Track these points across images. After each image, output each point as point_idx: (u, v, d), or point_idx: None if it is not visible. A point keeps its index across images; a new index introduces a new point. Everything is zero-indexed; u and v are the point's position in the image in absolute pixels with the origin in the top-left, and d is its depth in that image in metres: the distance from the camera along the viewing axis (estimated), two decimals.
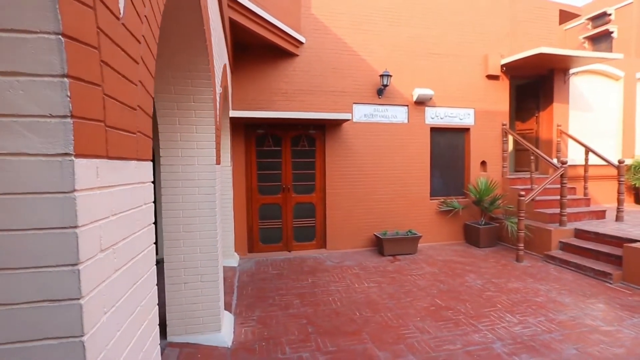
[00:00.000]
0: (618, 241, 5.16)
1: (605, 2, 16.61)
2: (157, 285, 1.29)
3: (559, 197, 6.06)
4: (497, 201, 6.71)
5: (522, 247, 5.77)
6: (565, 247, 5.78)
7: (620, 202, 6.38)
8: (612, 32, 16.41)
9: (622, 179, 6.38)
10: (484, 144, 7.21)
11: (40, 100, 0.60)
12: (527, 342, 3.22)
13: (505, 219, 6.37)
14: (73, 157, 0.63)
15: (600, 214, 6.64)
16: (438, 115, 6.97)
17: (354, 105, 6.45)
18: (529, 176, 6.79)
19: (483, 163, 7.26)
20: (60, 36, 0.59)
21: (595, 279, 4.87)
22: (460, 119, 7.11)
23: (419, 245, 6.45)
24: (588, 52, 7.76)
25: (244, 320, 3.72)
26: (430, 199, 6.98)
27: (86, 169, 0.68)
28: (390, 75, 6.31)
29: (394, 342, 3.27)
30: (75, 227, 0.64)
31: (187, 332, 3.12)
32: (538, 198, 6.37)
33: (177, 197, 2.99)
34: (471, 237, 6.90)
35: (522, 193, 5.71)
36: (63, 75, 0.60)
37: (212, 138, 3.05)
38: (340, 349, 3.16)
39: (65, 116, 0.62)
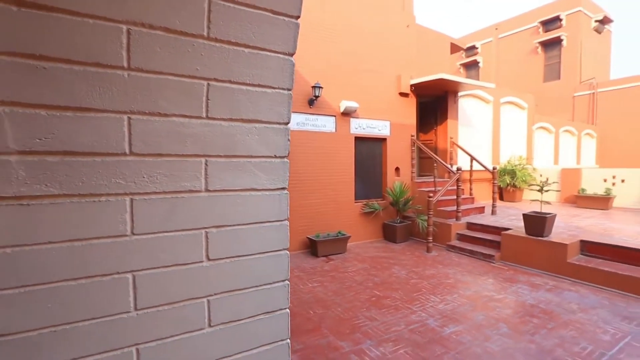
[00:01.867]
0: (496, 230, 6.66)
1: (475, 37, 20.51)
2: None
3: (455, 197, 7.45)
4: (409, 202, 7.84)
5: (431, 240, 6.92)
6: (461, 237, 7.15)
7: (494, 199, 8.18)
8: (479, 62, 20.33)
9: (495, 182, 8.19)
10: (398, 152, 8.32)
11: (269, 144, 0.76)
12: (450, 315, 4.02)
13: (417, 217, 7.50)
14: (287, 191, 0.80)
15: (481, 210, 8.37)
16: (361, 126, 7.77)
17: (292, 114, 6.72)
18: (432, 180, 8.12)
19: (397, 169, 8.37)
20: (290, 91, 0.76)
21: (484, 261, 6.21)
22: (379, 130, 8.06)
23: (347, 244, 7.10)
24: (472, 80, 9.65)
25: None
26: (355, 202, 7.73)
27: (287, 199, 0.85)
28: (321, 87, 6.80)
29: (351, 332, 3.70)
30: (286, 249, 0.81)
31: None
32: (440, 198, 7.70)
33: None
34: (389, 234, 7.89)
35: (431, 195, 6.85)
36: (287, 123, 0.77)
37: None
38: (307, 345, 3.43)
39: (284, 157, 0.79)
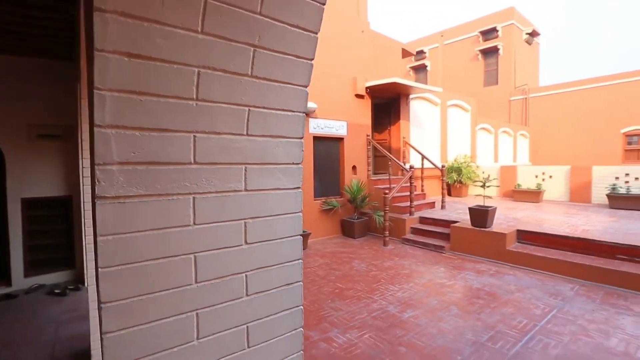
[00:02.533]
0: (446, 223, 7.31)
1: (423, 42, 21.80)
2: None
3: (408, 194, 8.02)
4: (366, 199, 8.27)
5: (388, 235, 7.39)
6: (415, 231, 7.73)
7: (443, 195, 8.91)
8: (427, 66, 21.63)
9: (444, 178, 8.93)
10: (354, 151, 8.73)
11: (289, 154, 0.95)
12: (408, 302, 4.42)
13: (374, 213, 7.96)
14: (301, 189, 1.01)
15: (432, 205, 9.07)
16: (319, 126, 8.05)
17: None
18: (387, 177, 8.65)
19: (354, 167, 8.78)
20: (304, 114, 0.96)
21: (435, 252, 6.79)
22: (337, 130, 8.40)
23: (308, 241, 7.35)
24: (422, 85, 10.35)
25: None
26: (315, 200, 7.99)
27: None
28: None
29: (318, 322, 3.93)
30: (301, 234, 1.01)
31: None
32: (395, 195, 8.23)
33: None
34: (348, 230, 8.27)
35: (387, 192, 7.32)
36: (301, 138, 0.97)
37: None
38: None
39: (299, 163, 0.99)
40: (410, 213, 7.96)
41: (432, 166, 9.46)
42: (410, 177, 7.84)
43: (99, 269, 0.64)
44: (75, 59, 4.34)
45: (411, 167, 7.95)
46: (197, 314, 0.77)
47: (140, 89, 0.65)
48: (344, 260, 6.33)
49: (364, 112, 8.92)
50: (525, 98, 18.18)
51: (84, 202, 2.92)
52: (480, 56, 19.10)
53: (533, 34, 19.02)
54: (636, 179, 9.10)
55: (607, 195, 9.18)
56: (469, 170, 11.37)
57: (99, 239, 0.64)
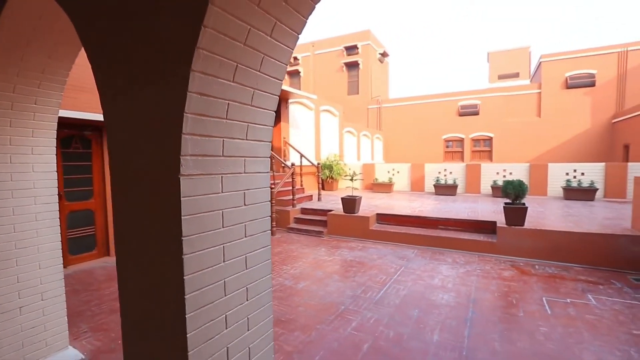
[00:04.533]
0: (323, 212, 8.54)
1: (297, 49, 23.36)
2: None
3: (290, 188, 8.95)
4: None
5: (275, 225, 8.14)
6: (298, 220, 8.72)
7: (319, 189, 10.22)
8: (300, 72, 23.31)
9: (319, 174, 10.23)
10: None
11: (265, 151, 1.50)
12: (299, 276, 5.26)
13: None
14: (269, 173, 1.58)
15: (310, 198, 10.28)
16: None
17: None
18: (271, 174, 9.38)
19: None
20: (271, 127, 1.53)
21: (316, 237, 7.91)
22: None
23: None
24: (300, 91, 11.48)
25: (77, 331, 3.53)
26: None
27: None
28: None
29: None
30: (269, 201, 1.59)
31: None
32: (280, 189, 9.05)
33: (8, 210, 2.68)
34: None
35: (272, 187, 8.05)
36: (270, 141, 1.54)
37: (51, 143, 2.92)
38: None
39: (268, 157, 1.56)
40: (293, 205, 8.90)
41: (309, 164, 10.68)
42: (292, 174, 8.77)
43: (182, 216, 1.11)
44: None
45: (293, 165, 8.89)
46: (223, 246, 1.28)
47: (202, 113, 1.14)
48: None
49: None
50: (379, 107, 21.80)
51: None
52: (344, 68, 21.85)
53: (384, 54, 22.91)
54: (450, 173, 12.42)
55: (433, 185, 12.21)
56: (338, 167, 13.17)
57: (182, 199, 1.10)
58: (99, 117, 5.45)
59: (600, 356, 2.95)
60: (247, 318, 1.46)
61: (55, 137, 2.94)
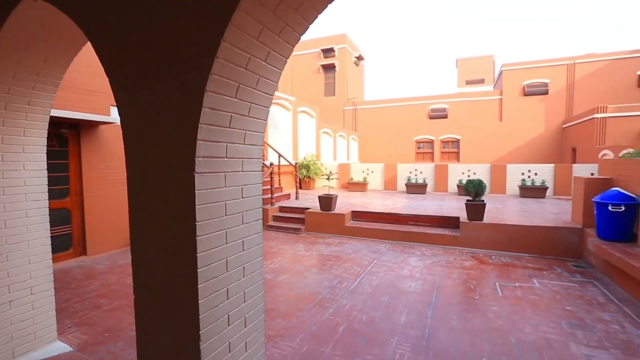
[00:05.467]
0: (301, 210, 8.85)
1: None
2: None
3: (269, 187, 9.20)
4: None
5: None
6: (276, 218, 8.97)
7: (297, 188, 10.52)
8: None
9: (297, 174, 10.53)
10: None
11: (258, 154, 1.80)
12: (279, 270, 5.55)
13: None
14: (261, 171, 1.88)
15: (288, 196, 10.55)
16: None
17: (112, 108, 6.50)
18: None
19: None
20: (263, 133, 1.83)
21: (294, 233, 8.20)
22: None
23: None
24: (279, 93, 11.69)
25: (62, 327, 3.64)
26: None
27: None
28: None
29: None
30: (261, 195, 1.89)
31: (16, 354, 2.92)
32: None
33: None
34: None
35: None
36: (262, 145, 1.84)
37: (42, 142, 3.06)
38: None
39: (260, 158, 1.86)
40: (272, 203, 9.14)
41: (287, 163, 10.94)
42: (271, 173, 9.02)
43: (196, 206, 1.40)
44: None
45: (271, 164, 9.13)
46: (226, 231, 1.57)
47: (212, 123, 1.43)
48: None
49: None
50: (355, 109, 22.36)
51: None
52: (321, 70, 22.25)
53: (360, 57, 23.51)
54: (421, 172, 13.09)
55: (405, 184, 12.83)
56: (315, 167, 13.52)
57: (196, 192, 1.39)
58: (76, 114, 5.48)
59: (538, 328, 3.47)
60: (244, 292, 1.75)
61: (46, 136, 3.08)
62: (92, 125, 6.12)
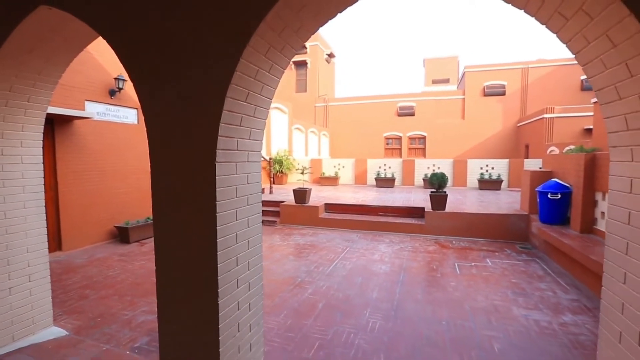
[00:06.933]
0: (276, 203, 9.17)
1: None
2: None
3: None
4: None
5: None
6: None
7: (271, 182, 10.81)
8: None
9: (271, 169, 10.82)
10: None
11: (259, 147, 2.16)
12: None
13: None
14: (260, 162, 2.23)
15: (263, 191, 10.82)
16: None
17: (87, 103, 6.47)
18: None
19: None
20: (263, 130, 2.17)
21: (270, 226, 8.53)
22: None
23: None
24: None
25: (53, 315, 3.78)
26: None
27: None
28: (125, 80, 6.93)
29: None
30: (260, 181, 2.24)
31: (15, 338, 3.07)
32: None
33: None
34: None
35: None
36: (261, 140, 2.19)
37: (39, 137, 3.20)
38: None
39: (260, 151, 2.21)
40: None
41: (261, 159, 11.20)
42: None
43: (217, 188, 1.75)
44: None
45: None
46: (236, 210, 1.93)
47: (228, 122, 1.77)
48: None
49: None
50: (326, 105, 22.83)
51: None
52: (293, 66, 22.45)
53: (331, 55, 23.96)
54: (390, 167, 13.80)
55: (375, 178, 13.48)
56: (288, 162, 13.84)
57: (217, 177, 1.74)
58: (50, 109, 5.47)
59: (488, 297, 4.09)
60: (248, 261, 2.12)
61: (43, 131, 3.22)
62: (67, 120, 6.09)
